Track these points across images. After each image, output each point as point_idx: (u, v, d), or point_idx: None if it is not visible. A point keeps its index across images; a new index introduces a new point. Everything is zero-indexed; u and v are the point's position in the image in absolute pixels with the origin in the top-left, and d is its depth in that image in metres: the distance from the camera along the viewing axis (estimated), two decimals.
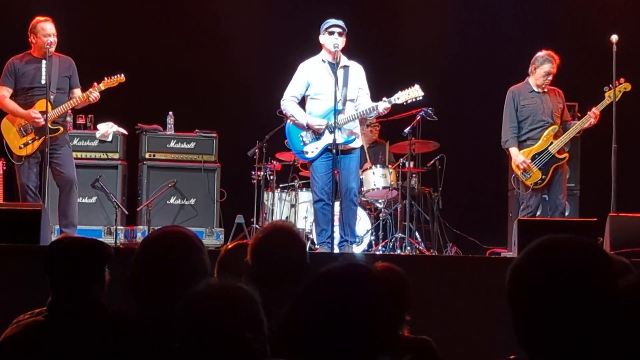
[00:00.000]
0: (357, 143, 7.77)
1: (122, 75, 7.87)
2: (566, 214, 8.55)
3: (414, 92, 7.62)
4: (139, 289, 2.87)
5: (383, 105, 7.59)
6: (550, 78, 8.29)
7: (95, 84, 7.77)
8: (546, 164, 8.20)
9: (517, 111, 8.34)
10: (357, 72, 7.79)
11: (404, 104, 7.74)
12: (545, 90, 8.33)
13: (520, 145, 8.31)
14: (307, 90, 7.79)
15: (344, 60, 7.75)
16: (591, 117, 8.08)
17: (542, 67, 8.24)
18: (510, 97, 8.40)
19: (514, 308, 1.99)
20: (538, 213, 8.48)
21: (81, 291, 2.99)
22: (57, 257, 3.08)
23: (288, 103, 7.81)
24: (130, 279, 2.88)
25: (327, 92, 7.61)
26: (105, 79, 7.83)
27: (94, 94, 7.71)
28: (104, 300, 3.04)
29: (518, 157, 8.23)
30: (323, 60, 7.72)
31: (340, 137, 7.57)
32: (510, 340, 2.07)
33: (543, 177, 8.19)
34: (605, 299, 1.92)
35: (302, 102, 7.88)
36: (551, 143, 8.21)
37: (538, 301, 1.93)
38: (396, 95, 7.64)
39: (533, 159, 8.20)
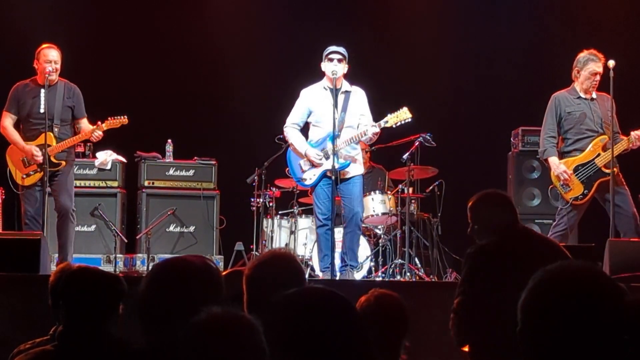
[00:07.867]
0: (358, 169, 7.75)
1: (125, 117, 7.89)
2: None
3: (403, 115, 7.52)
4: (148, 316, 2.74)
5: (372, 129, 7.51)
6: (597, 79, 7.45)
7: (99, 122, 7.79)
8: (590, 178, 7.39)
9: (563, 119, 7.50)
10: (357, 98, 7.73)
11: (394, 126, 7.62)
12: (594, 96, 7.51)
13: (564, 155, 7.53)
14: (308, 117, 7.79)
15: (345, 85, 7.72)
16: (635, 138, 7.29)
17: (586, 67, 7.42)
18: (552, 104, 7.56)
19: (526, 344, 1.96)
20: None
21: (95, 324, 2.94)
22: (74, 288, 3.03)
23: (289, 130, 7.83)
24: (140, 305, 2.74)
25: (327, 119, 7.59)
26: (109, 119, 7.86)
27: (97, 133, 7.76)
28: (116, 333, 2.97)
29: (558, 167, 7.43)
30: (325, 88, 7.70)
31: (336, 163, 7.53)
32: None
33: (585, 191, 7.37)
34: (617, 322, 1.90)
35: (306, 128, 7.89)
36: (598, 155, 7.41)
37: (550, 334, 1.91)
38: (385, 119, 7.58)
39: (576, 170, 7.41)
